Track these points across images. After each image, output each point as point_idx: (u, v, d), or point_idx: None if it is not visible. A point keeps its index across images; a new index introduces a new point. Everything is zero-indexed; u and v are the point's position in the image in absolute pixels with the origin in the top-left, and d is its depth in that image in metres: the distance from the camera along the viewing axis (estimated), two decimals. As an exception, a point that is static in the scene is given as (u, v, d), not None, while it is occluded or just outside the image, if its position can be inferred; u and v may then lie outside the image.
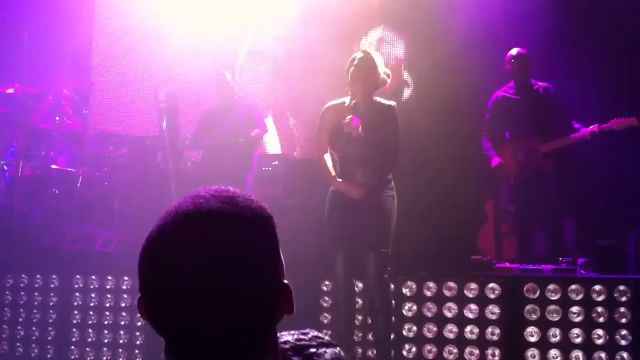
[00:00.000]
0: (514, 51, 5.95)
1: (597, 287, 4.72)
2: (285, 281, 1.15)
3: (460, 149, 6.95)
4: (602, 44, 6.43)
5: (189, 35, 7.17)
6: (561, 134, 5.80)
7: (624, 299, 4.68)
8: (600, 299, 4.71)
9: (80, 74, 7.38)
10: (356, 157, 4.41)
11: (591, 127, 5.65)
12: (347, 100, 4.45)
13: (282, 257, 1.17)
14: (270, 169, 6.74)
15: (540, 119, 5.84)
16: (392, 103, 4.50)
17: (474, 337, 4.85)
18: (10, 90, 6.27)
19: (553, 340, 4.73)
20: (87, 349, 5.49)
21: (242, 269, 1.09)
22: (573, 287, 4.76)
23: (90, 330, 5.52)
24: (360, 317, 5.17)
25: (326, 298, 5.35)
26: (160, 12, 7.23)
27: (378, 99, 4.48)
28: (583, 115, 5.83)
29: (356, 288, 4.89)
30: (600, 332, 4.68)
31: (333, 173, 4.49)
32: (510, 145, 5.91)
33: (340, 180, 4.46)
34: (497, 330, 4.82)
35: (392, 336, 4.65)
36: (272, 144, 7.37)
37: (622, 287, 4.70)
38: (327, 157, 4.54)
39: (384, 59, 4.89)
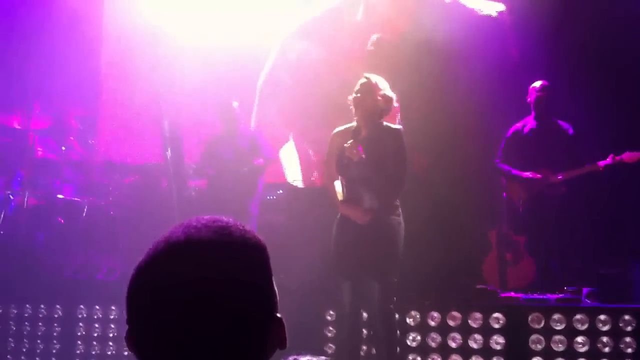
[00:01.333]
0: (537, 84, 6.02)
1: (602, 317, 4.70)
2: (278, 315, 1.13)
3: (463, 179, 6.96)
4: (611, 78, 6.45)
5: (199, 63, 7.20)
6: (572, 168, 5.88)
7: (629, 328, 4.65)
8: (606, 328, 4.68)
9: (87, 103, 7.45)
10: (360, 181, 4.40)
11: (605, 160, 5.70)
12: (354, 125, 4.47)
13: (275, 289, 1.14)
14: (274, 197, 6.76)
15: (554, 156, 5.92)
16: (398, 127, 4.51)
17: (478, 367, 4.82)
18: (16, 124, 6.32)
19: (558, 370, 4.69)
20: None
21: (232, 300, 1.07)
22: (578, 316, 4.74)
23: (93, 360, 5.50)
24: (365, 348, 5.14)
25: (330, 328, 5.33)
26: (166, 40, 7.29)
27: (386, 123, 4.50)
28: (600, 154, 5.89)
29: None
30: (605, 362, 4.64)
31: (340, 198, 4.49)
32: (523, 175, 5.96)
33: (346, 205, 4.45)
34: (502, 361, 4.79)
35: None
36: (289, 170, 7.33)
37: (627, 317, 4.67)
38: (337, 183, 4.55)
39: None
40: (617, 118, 6.30)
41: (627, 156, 5.67)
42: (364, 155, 4.32)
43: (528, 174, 5.94)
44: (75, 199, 6.34)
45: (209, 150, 6.47)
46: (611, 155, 5.70)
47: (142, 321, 1.09)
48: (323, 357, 1.24)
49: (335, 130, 4.60)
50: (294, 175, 7.25)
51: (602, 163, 5.72)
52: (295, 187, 6.82)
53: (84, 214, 6.25)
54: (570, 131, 6.03)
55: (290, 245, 6.33)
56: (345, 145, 4.36)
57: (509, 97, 6.70)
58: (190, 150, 6.47)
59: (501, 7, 6.81)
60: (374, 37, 6.29)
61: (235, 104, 6.48)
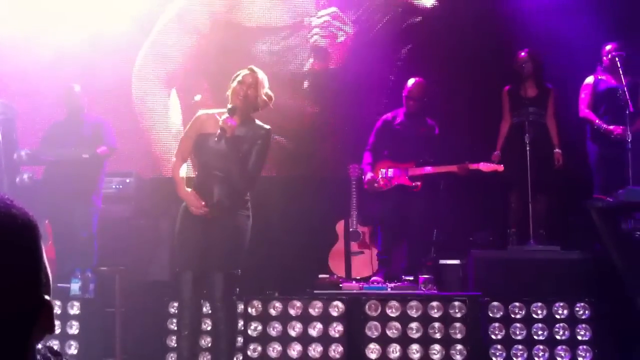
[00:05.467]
0: (411, 82, 6.17)
1: (435, 304, 4.89)
2: (46, 297, 1.06)
3: (312, 170, 7.07)
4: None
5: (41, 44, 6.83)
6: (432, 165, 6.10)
7: (459, 315, 4.87)
8: (437, 315, 4.87)
9: None
10: (217, 171, 4.28)
11: (461, 164, 5.95)
12: (223, 111, 4.33)
13: (46, 271, 1.08)
14: (121, 187, 6.52)
15: (418, 151, 6.12)
16: (268, 127, 4.39)
17: (317, 355, 4.88)
18: None
19: (393, 356, 4.83)
20: None
21: None
22: (412, 303, 4.90)
23: None
24: (209, 339, 5.08)
25: (173, 320, 5.22)
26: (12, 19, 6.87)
27: (257, 121, 4.41)
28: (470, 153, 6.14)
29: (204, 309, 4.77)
30: (437, 347, 4.83)
31: (184, 183, 4.34)
32: (386, 163, 6.12)
33: (189, 190, 4.28)
34: (340, 348, 4.88)
35: (235, 359, 4.56)
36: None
37: (457, 304, 4.88)
38: (184, 166, 4.40)
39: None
40: (483, 124, 6.61)
41: (484, 166, 5.96)
42: (236, 131, 4.18)
43: (370, 175, 6.08)
44: None
45: (49, 136, 6.15)
46: (466, 162, 5.96)
47: None
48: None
49: (200, 112, 4.46)
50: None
51: (455, 166, 5.98)
52: (141, 177, 6.61)
53: None
54: (436, 130, 6.25)
55: (134, 237, 6.16)
56: (221, 117, 4.21)
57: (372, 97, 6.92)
58: (25, 135, 6.11)
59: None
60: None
61: (77, 87, 6.19)
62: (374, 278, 5.70)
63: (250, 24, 7.22)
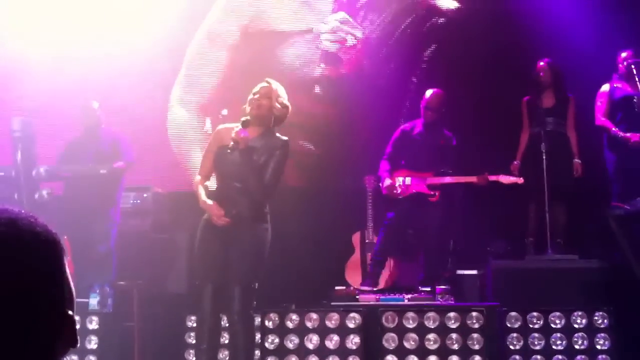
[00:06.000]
0: (429, 92, 6.19)
1: (452, 314, 4.87)
2: (70, 312, 1.09)
3: (329, 181, 7.08)
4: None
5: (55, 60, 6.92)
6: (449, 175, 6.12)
7: (476, 325, 4.84)
8: (455, 326, 4.85)
9: None
10: (235, 183, 4.30)
11: (481, 175, 5.95)
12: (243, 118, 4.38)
13: (70, 286, 1.10)
14: (139, 202, 6.57)
15: (436, 162, 6.14)
16: (285, 138, 4.43)
17: (334, 367, 4.88)
18: None
19: (411, 368, 4.82)
20: None
21: (12, 296, 1.02)
22: (430, 314, 4.89)
23: None
24: (226, 353, 5.09)
25: (191, 334, 5.24)
26: (25, 34, 6.96)
27: (277, 133, 4.44)
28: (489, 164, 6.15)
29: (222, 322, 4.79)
30: (455, 358, 4.81)
31: (205, 194, 4.35)
32: (403, 172, 6.12)
33: (210, 202, 4.31)
34: (358, 360, 4.87)
35: (253, 372, 4.57)
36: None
37: (474, 314, 4.86)
38: (202, 189, 4.44)
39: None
40: (503, 134, 6.60)
41: (503, 178, 5.95)
42: (251, 142, 4.23)
43: (389, 182, 6.08)
44: None
45: (67, 152, 6.23)
46: (486, 173, 5.96)
47: None
48: None
49: (220, 126, 4.52)
50: None
51: (475, 177, 5.97)
52: (159, 192, 6.66)
53: None
54: (454, 141, 6.26)
55: (152, 251, 6.20)
56: (233, 129, 4.27)
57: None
58: (43, 152, 6.18)
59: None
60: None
61: (95, 104, 6.26)
62: (363, 287, 5.71)
63: (277, 28, 7.30)
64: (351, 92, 7.18)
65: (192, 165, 7.19)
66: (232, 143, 4.23)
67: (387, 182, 6.07)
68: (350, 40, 7.27)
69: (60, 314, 1.08)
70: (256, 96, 4.36)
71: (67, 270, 1.11)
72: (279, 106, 4.37)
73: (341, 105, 7.21)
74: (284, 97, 4.41)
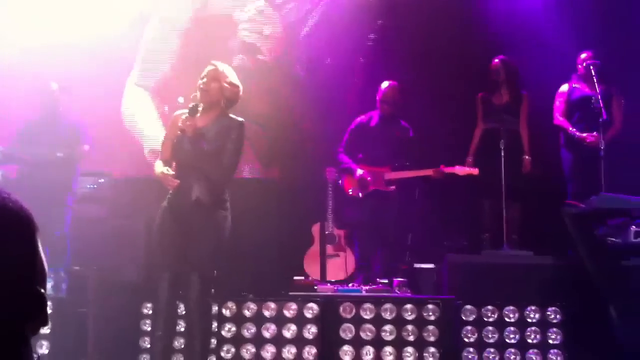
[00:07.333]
0: (384, 85, 6.21)
1: (408, 306, 4.91)
2: (41, 289, 1.08)
3: (289, 172, 7.07)
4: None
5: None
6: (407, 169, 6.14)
7: (432, 317, 4.89)
8: (411, 317, 4.89)
9: None
10: (191, 169, 4.26)
11: (436, 168, 5.99)
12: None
13: (43, 264, 1.09)
14: (95, 187, 6.47)
15: (392, 154, 6.18)
16: (241, 119, 4.40)
17: (291, 356, 4.87)
18: None
19: (366, 358, 4.85)
20: None
21: None
22: (387, 306, 4.92)
23: None
24: (182, 340, 5.05)
25: (147, 321, 5.18)
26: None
27: (231, 114, 4.42)
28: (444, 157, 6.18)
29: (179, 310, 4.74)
30: (410, 349, 4.85)
31: (160, 169, 4.29)
32: (361, 167, 6.15)
33: (168, 171, 4.24)
34: (314, 350, 4.87)
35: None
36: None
37: (430, 306, 4.91)
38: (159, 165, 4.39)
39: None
40: (456, 128, 6.66)
41: (459, 169, 6.01)
42: (205, 127, 4.20)
43: (361, 172, 6.12)
44: None
45: (24, 134, 6.08)
46: (441, 166, 6.01)
47: None
48: None
49: (176, 112, 4.47)
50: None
51: (431, 170, 6.02)
52: (115, 178, 6.56)
53: None
54: (411, 132, 6.29)
55: (108, 237, 6.10)
56: (182, 117, 4.23)
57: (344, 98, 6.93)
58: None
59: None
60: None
61: (54, 85, 6.12)
62: (351, 286, 5.71)
63: (226, 14, 7.25)
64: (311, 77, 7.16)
65: (146, 144, 7.14)
66: (179, 132, 4.22)
67: (360, 171, 6.12)
68: (267, 30, 7.25)
69: (32, 292, 1.07)
70: (204, 80, 4.34)
71: (40, 248, 1.09)
72: (228, 87, 4.35)
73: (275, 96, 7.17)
74: (232, 77, 4.39)
